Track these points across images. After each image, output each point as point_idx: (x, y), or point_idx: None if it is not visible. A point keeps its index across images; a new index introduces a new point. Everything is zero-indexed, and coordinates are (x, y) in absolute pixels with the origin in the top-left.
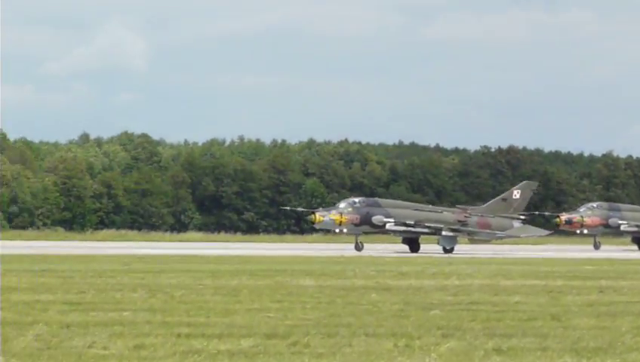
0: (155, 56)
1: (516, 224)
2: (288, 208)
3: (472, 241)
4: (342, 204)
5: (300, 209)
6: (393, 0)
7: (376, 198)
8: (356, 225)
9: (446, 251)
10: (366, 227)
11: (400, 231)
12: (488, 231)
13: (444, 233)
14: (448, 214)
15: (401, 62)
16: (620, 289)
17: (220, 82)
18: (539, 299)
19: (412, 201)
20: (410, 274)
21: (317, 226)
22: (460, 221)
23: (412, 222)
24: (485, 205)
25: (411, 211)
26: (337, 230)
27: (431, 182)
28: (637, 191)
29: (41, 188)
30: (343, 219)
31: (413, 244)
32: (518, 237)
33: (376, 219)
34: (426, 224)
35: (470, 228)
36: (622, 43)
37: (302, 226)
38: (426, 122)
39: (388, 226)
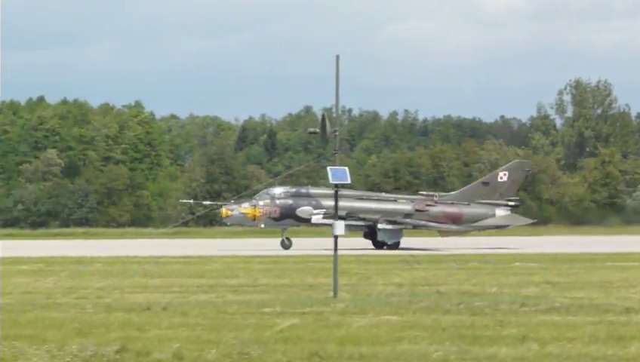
0: None
1: (500, 212)
2: (192, 201)
3: (442, 234)
4: (259, 195)
5: (206, 202)
6: None
7: (309, 187)
8: (276, 218)
9: (388, 246)
10: (289, 221)
11: (329, 225)
12: (445, 224)
13: (379, 226)
14: (404, 204)
15: None
16: None
17: None
18: None
19: None
20: None
21: (227, 222)
22: (418, 211)
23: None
24: (459, 191)
25: (351, 201)
26: (258, 225)
27: None
28: None
29: None
30: (257, 213)
31: (376, 238)
32: (504, 227)
33: (302, 211)
34: (360, 216)
35: (416, 220)
36: None
37: None
38: None
39: (314, 219)
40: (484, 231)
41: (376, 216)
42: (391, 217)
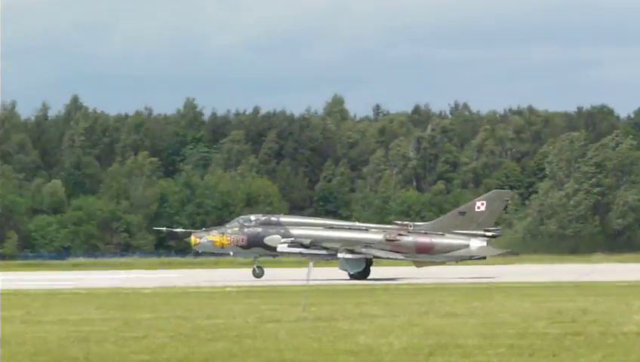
0: None
1: (476, 243)
2: (164, 229)
3: (417, 265)
4: (230, 223)
5: (178, 229)
6: None
7: (280, 215)
8: (243, 246)
9: (351, 276)
10: (258, 249)
11: (294, 254)
12: (408, 254)
13: (339, 255)
14: (374, 233)
15: None
16: None
17: None
18: None
19: None
20: None
21: (197, 250)
22: (389, 240)
23: (307, 243)
24: (436, 220)
25: (318, 230)
26: (231, 253)
27: None
28: None
29: None
30: (225, 241)
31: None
32: (479, 258)
33: (270, 239)
34: (323, 245)
35: (377, 251)
36: None
37: None
38: None
39: (279, 248)
40: (459, 261)
41: (337, 245)
42: (351, 246)
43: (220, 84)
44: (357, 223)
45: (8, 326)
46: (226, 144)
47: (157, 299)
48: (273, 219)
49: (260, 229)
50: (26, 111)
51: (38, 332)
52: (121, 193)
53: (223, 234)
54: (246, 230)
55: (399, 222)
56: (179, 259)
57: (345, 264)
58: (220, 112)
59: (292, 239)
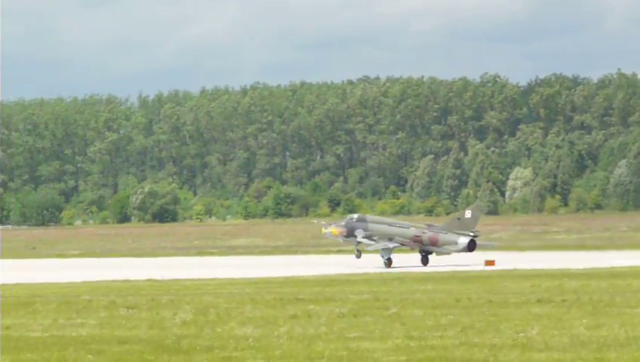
0: None
1: (463, 240)
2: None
3: (437, 254)
4: (342, 219)
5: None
6: None
7: (367, 216)
8: (345, 236)
9: (385, 263)
10: (352, 239)
11: (366, 243)
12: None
13: (375, 245)
14: (410, 230)
15: None
16: None
17: None
18: None
19: None
20: None
21: (325, 237)
22: (416, 236)
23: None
24: (445, 223)
25: (382, 226)
26: (340, 240)
27: None
28: None
29: None
30: (336, 232)
31: (423, 258)
32: (465, 251)
33: (357, 232)
34: (373, 238)
35: (394, 243)
36: None
37: None
38: None
39: (358, 238)
40: (459, 252)
41: (376, 237)
42: (385, 238)
43: None
44: (405, 222)
45: None
46: None
47: None
48: (361, 217)
49: (354, 224)
50: None
51: None
52: None
53: (336, 226)
54: (347, 224)
55: (427, 223)
56: None
57: (381, 252)
58: None
59: (367, 233)
